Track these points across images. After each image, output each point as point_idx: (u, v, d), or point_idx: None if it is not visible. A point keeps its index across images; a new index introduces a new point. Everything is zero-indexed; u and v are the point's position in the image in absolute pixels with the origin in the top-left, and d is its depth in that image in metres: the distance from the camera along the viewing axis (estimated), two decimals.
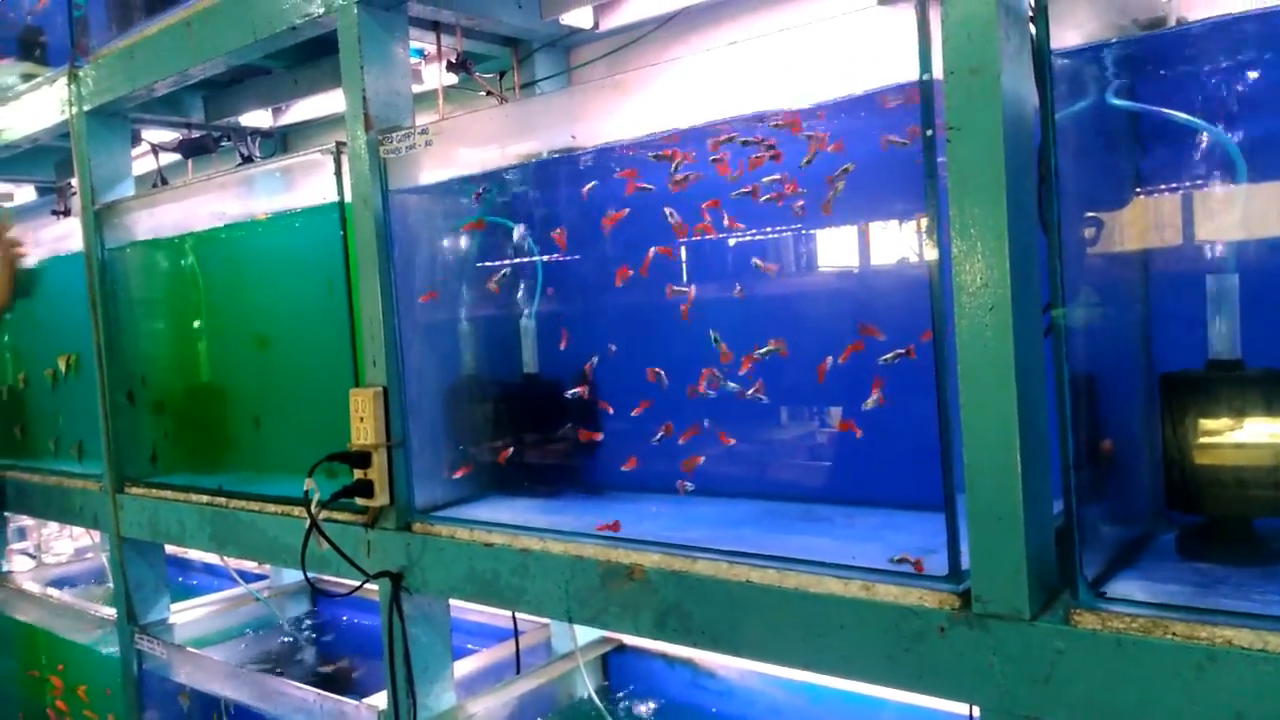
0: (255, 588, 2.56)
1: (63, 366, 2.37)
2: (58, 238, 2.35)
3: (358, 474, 1.62)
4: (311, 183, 1.77)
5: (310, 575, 2.60)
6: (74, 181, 2.83)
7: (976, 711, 1.08)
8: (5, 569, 2.85)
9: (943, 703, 1.53)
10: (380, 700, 1.69)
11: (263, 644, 2.39)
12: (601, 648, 1.97)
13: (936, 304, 1.08)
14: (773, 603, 1.20)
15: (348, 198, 1.65)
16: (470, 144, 1.52)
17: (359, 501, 1.63)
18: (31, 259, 2.43)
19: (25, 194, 3.08)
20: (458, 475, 1.70)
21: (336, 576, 1.70)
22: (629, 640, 1.98)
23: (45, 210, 3.04)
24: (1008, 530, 1.01)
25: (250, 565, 2.67)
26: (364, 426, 1.61)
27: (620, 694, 1.91)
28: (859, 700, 1.65)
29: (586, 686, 1.86)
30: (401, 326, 1.62)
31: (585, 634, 1.97)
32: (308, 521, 1.55)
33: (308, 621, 2.53)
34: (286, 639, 2.42)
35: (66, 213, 2.77)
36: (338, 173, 1.65)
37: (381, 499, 1.61)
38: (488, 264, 1.74)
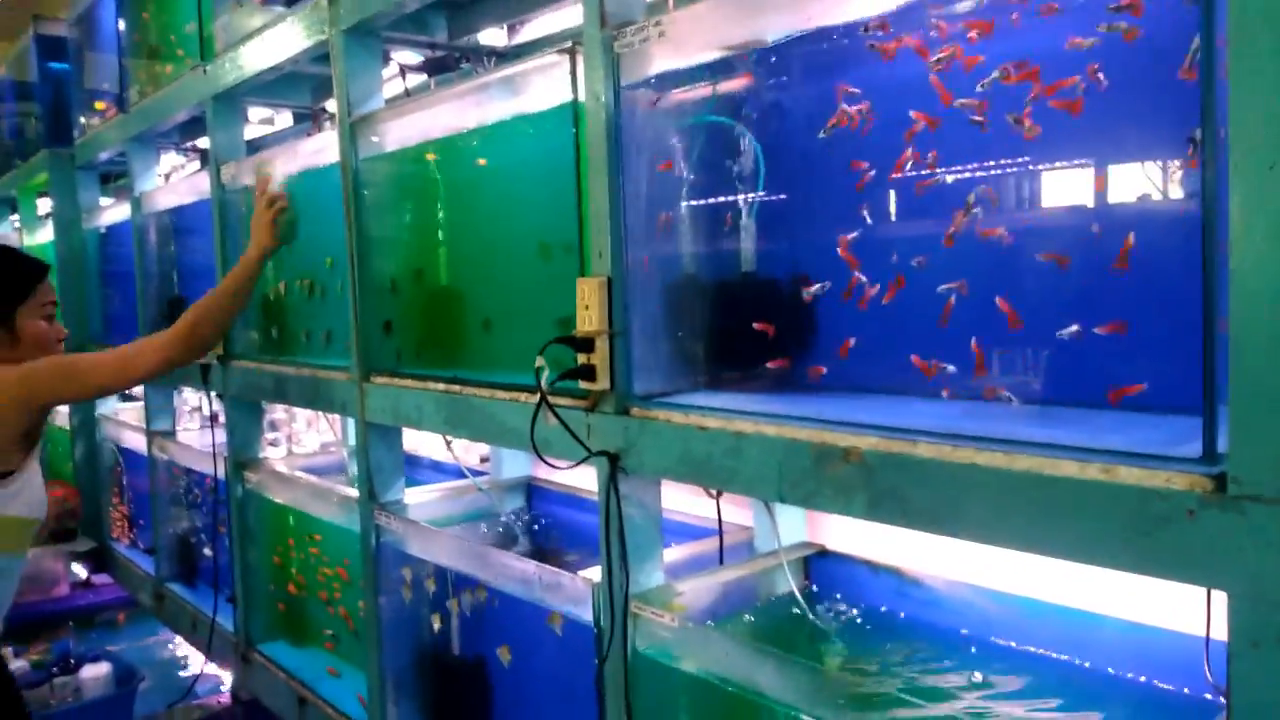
0: (478, 481, 2.76)
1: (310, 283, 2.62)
2: (314, 151, 2.59)
3: (581, 359, 1.71)
4: (540, 91, 1.86)
5: (525, 476, 2.78)
6: (327, 106, 3.11)
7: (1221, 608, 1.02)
8: (261, 455, 3.22)
9: (1167, 621, 1.47)
10: (594, 574, 1.80)
11: (481, 530, 2.58)
12: (803, 550, 2.00)
13: (1207, 170, 1.01)
14: (999, 486, 1.18)
15: (580, 97, 1.73)
16: (701, 34, 1.55)
17: (581, 385, 1.72)
18: (288, 172, 2.68)
19: (283, 119, 3.40)
20: (671, 370, 1.77)
21: (556, 458, 1.80)
22: (832, 545, 2.00)
23: (301, 134, 3.36)
24: (1274, 407, 0.95)
25: (473, 461, 2.88)
26: (589, 314, 1.70)
27: (821, 596, 1.94)
28: (1076, 616, 1.59)
29: (789, 581, 1.90)
30: (627, 220, 1.69)
31: (789, 536, 2.00)
32: (538, 397, 1.66)
33: (523, 514, 2.71)
34: (504, 527, 2.61)
35: None
36: (572, 71, 1.73)
37: (603, 383, 1.70)
38: (711, 163, 1.78)
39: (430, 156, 2.22)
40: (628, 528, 1.71)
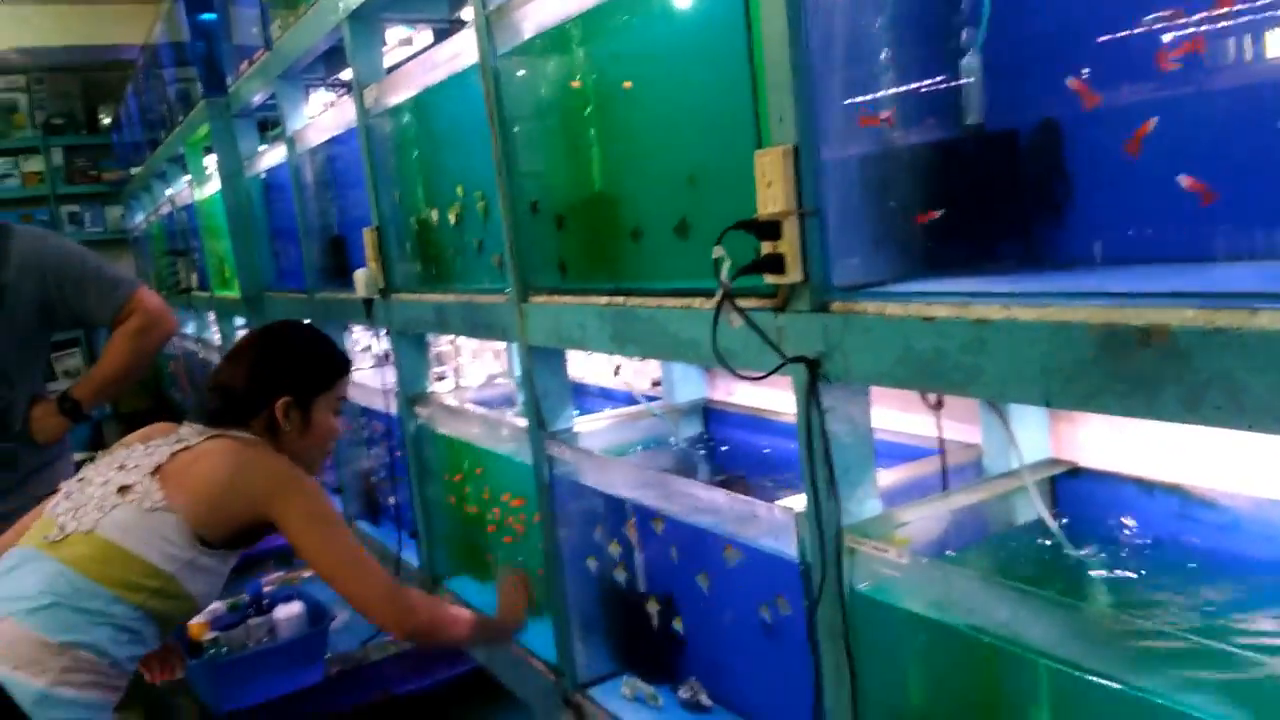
0: (650, 407, 2.54)
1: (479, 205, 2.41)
2: (450, 58, 2.37)
3: (765, 247, 1.42)
4: None
5: (701, 398, 2.53)
6: (463, 15, 2.90)
7: None
8: (429, 389, 3.12)
9: None
10: (797, 502, 1.53)
11: (657, 458, 2.36)
12: (1050, 469, 1.64)
13: None
14: None
15: None
16: None
17: (767, 280, 1.43)
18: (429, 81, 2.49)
19: (422, 40, 3.22)
20: (876, 255, 1.45)
21: (741, 369, 1.53)
22: (1086, 463, 1.63)
23: None
24: None
25: (644, 387, 2.65)
26: (772, 192, 1.39)
27: (1076, 524, 1.59)
28: None
29: (1036, 506, 1.56)
30: (814, 72, 1.36)
31: (1030, 454, 1.65)
32: (718, 296, 1.38)
33: (700, 440, 2.47)
34: (680, 455, 2.38)
35: None
36: None
37: (794, 275, 1.40)
38: None
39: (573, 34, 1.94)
40: (834, 448, 1.43)
